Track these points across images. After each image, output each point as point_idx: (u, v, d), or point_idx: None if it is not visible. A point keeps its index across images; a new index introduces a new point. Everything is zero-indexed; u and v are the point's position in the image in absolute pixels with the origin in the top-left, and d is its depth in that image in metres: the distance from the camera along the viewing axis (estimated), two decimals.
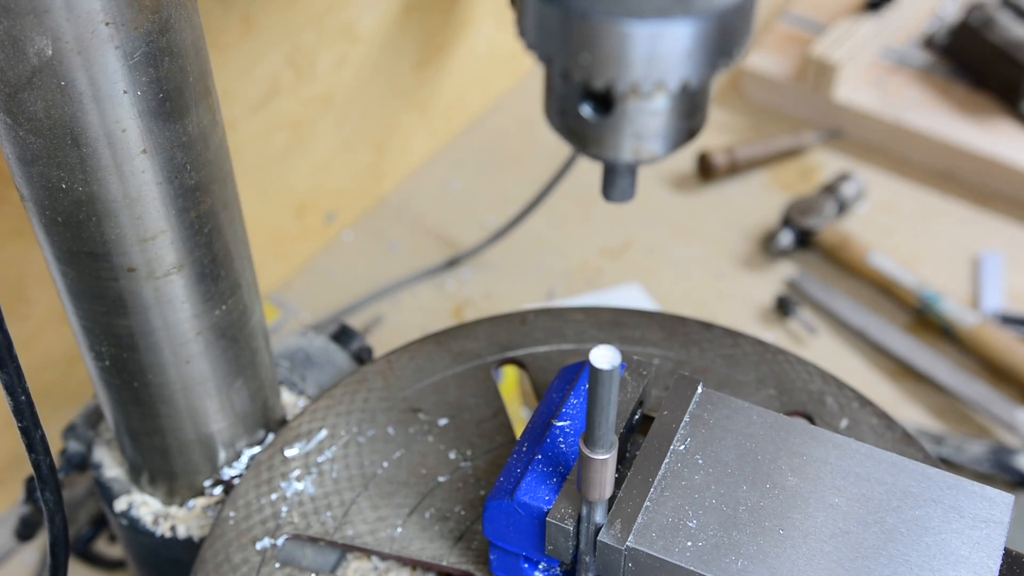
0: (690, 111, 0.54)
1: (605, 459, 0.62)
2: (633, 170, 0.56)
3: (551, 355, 0.90)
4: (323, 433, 0.84)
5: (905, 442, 0.83)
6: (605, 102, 0.52)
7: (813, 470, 0.70)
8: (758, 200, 1.58)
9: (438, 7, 1.48)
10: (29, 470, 1.00)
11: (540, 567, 0.73)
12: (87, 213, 0.68)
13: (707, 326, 0.92)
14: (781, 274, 1.47)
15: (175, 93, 0.66)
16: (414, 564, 0.78)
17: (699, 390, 0.74)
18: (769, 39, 1.75)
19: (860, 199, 1.54)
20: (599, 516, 0.66)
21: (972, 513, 0.68)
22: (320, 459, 0.82)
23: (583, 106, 0.52)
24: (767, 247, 1.49)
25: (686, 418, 0.72)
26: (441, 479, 0.81)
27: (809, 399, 0.86)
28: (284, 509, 0.79)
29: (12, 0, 0.58)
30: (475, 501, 0.80)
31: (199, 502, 0.89)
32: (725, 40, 0.49)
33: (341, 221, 1.53)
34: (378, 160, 1.54)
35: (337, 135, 1.43)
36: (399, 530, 0.78)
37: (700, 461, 0.70)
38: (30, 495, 0.99)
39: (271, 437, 0.90)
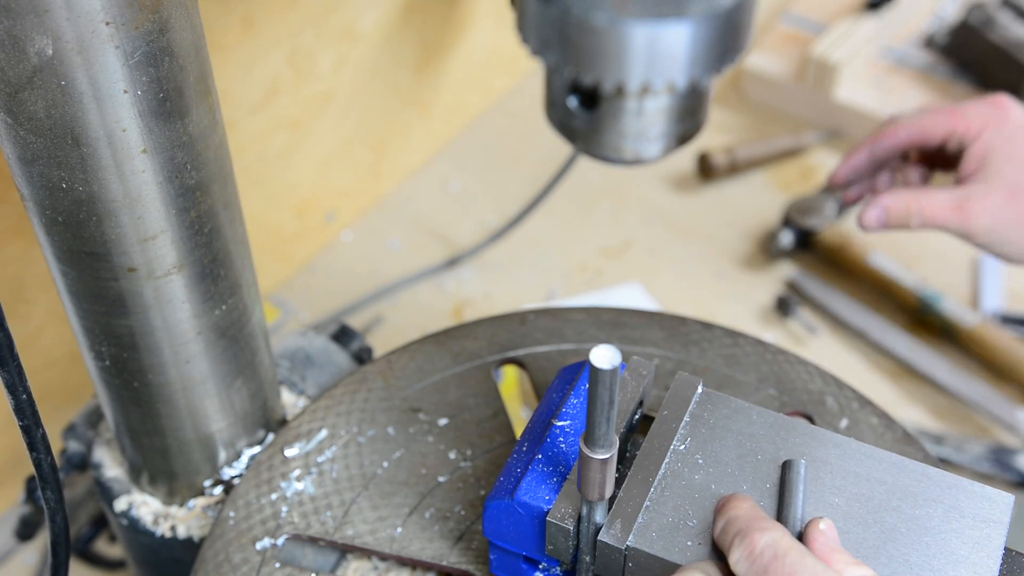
0: (682, 115, 0.54)
1: (605, 459, 0.62)
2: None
3: (551, 355, 0.90)
4: (323, 433, 0.84)
5: (905, 442, 0.83)
6: (592, 99, 0.52)
7: (813, 470, 0.70)
8: (758, 200, 1.58)
9: (438, 7, 1.48)
10: (29, 470, 1.00)
11: (540, 567, 0.73)
12: (87, 213, 0.68)
13: (707, 326, 0.92)
14: (781, 274, 1.47)
15: (175, 93, 0.67)
16: (414, 564, 0.78)
17: (699, 390, 0.74)
18: (769, 39, 1.75)
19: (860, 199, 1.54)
20: (599, 516, 0.66)
21: (972, 513, 0.68)
22: (320, 459, 0.82)
23: (570, 98, 0.53)
24: (767, 247, 1.49)
25: (686, 418, 0.72)
26: (441, 479, 0.81)
27: (809, 399, 0.86)
28: (284, 509, 0.79)
29: (12, 0, 0.58)
30: (475, 501, 0.80)
31: (199, 502, 0.89)
32: (717, 45, 0.49)
33: (341, 221, 1.53)
34: (378, 160, 1.54)
35: (337, 135, 1.43)
36: (399, 530, 0.78)
37: (700, 461, 0.70)
38: (30, 495, 0.99)
39: (271, 437, 0.90)
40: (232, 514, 0.79)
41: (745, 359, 0.89)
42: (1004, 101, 0.93)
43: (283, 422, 0.92)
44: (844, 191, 1.05)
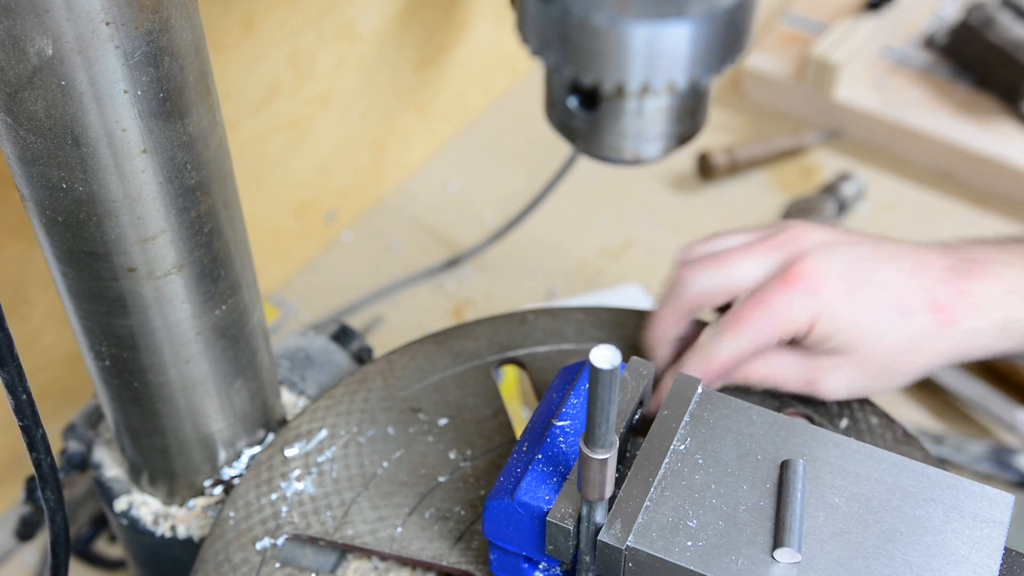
0: (682, 115, 0.54)
1: (605, 459, 0.62)
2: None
3: (551, 355, 0.90)
4: (323, 433, 0.84)
5: (905, 442, 0.83)
6: (592, 99, 0.52)
7: (813, 470, 0.70)
8: (758, 200, 1.58)
9: (438, 7, 1.48)
10: (29, 470, 1.00)
11: (540, 567, 0.73)
12: (87, 213, 0.68)
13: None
14: None
15: (175, 93, 0.67)
16: (414, 564, 0.78)
17: (699, 390, 0.74)
18: (769, 39, 1.75)
19: (860, 199, 1.54)
20: (599, 516, 0.66)
21: (972, 513, 0.68)
22: (320, 459, 0.82)
23: (570, 98, 0.53)
24: None
25: (686, 418, 0.72)
26: (441, 479, 0.81)
27: (809, 399, 0.86)
28: (284, 509, 0.79)
29: (12, 0, 0.58)
30: (475, 501, 0.80)
31: (199, 502, 0.89)
32: (718, 45, 0.49)
33: (341, 221, 1.53)
34: (378, 160, 1.54)
35: (337, 135, 1.43)
36: (399, 530, 0.78)
37: (700, 461, 0.70)
38: (30, 495, 0.99)
39: (271, 437, 0.90)
40: (232, 514, 0.79)
41: None
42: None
43: (283, 422, 0.92)
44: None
